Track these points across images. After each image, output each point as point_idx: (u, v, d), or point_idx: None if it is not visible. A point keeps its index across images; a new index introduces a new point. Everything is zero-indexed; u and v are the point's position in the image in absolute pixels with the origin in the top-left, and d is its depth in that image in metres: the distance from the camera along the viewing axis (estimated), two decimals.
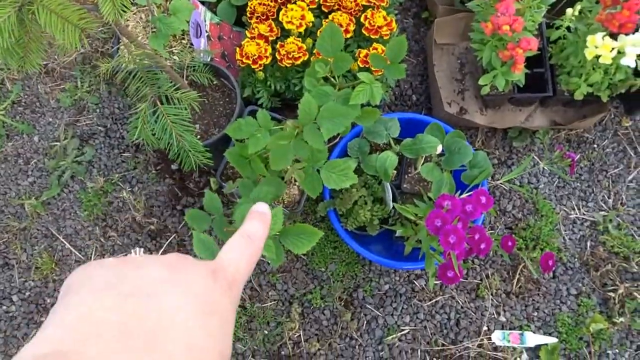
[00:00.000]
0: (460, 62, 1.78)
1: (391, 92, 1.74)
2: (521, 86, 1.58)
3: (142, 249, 1.53)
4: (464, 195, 1.43)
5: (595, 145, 1.68)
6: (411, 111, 1.76)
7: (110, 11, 0.71)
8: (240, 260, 0.38)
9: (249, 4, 1.50)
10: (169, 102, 1.10)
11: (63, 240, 1.58)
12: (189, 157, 1.15)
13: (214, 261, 0.37)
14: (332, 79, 1.18)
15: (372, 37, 1.46)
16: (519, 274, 1.54)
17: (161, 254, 1.56)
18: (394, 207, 1.42)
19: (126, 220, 1.59)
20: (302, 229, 1.03)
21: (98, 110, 1.73)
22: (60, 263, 1.55)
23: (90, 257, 1.56)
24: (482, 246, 1.17)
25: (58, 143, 1.69)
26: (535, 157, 1.67)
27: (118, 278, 0.32)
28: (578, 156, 1.67)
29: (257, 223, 0.44)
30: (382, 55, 1.14)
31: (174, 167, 1.63)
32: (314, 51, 1.45)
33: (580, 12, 1.54)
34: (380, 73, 1.42)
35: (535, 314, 1.51)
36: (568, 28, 1.56)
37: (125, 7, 0.72)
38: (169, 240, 1.57)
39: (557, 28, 1.57)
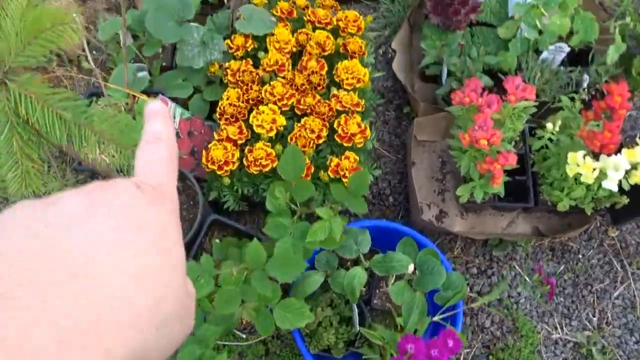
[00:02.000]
0: (442, 160, 1.71)
1: (367, 191, 1.67)
2: (502, 196, 1.51)
3: None
4: (436, 319, 1.34)
5: (580, 256, 1.60)
6: (388, 213, 1.68)
7: (19, 187, 0.64)
8: (158, 163, 0.34)
9: (220, 103, 1.45)
10: None
11: None
12: None
13: (134, 176, 0.33)
14: (293, 205, 1.11)
15: (345, 144, 1.40)
16: None
17: None
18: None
19: None
20: None
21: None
22: None
23: None
24: None
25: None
26: (516, 266, 1.59)
27: (33, 217, 0.28)
28: (562, 267, 1.59)
29: (158, 121, 0.38)
30: (340, 187, 1.07)
31: None
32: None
33: (562, 122, 1.49)
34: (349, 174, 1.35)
35: None
36: (550, 139, 1.51)
37: (36, 182, 0.65)
38: None
39: (539, 138, 1.51)
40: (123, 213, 0.29)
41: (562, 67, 1.69)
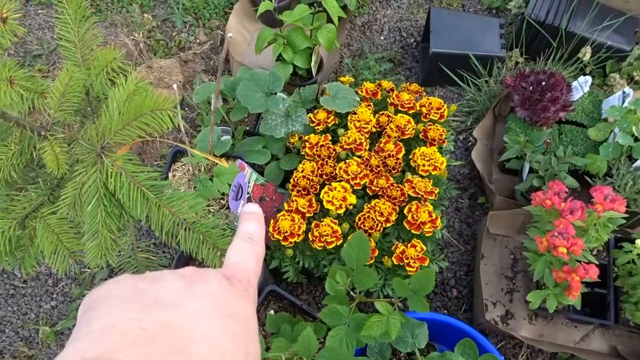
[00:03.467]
0: (514, 257, 1.63)
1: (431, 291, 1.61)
2: (577, 308, 1.40)
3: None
4: None
5: None
6: (451, 305, 1.60)
7: (94, 257, 0.68)
8: (248, 261, 0.39)
9: (294, 174, 1.48)
10: None
11: None
12: None
13: (224, 267, 0.38)
14: (352, 292, 1.09)
15: (413, 232, 1.37)
16: None
17: None
18: None
19: None
20: None
21: (134, 243, 1.73)
22: None
23: None
24: None
25: (89, 270, 1.69)
26: None
27: (137, 292, 0.33)
28: None
29: (254, 223, 0.43)
30: (404, 283, 1.03)
31: None
32: (349, 237, 1.38)
33: None
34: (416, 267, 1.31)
35: None
36: (639, 254, 1.39)
37: (111, 253, 0.69)
38: None
39: (626, 252, 1.40)
40: (216, 300, 0.34)
41: None
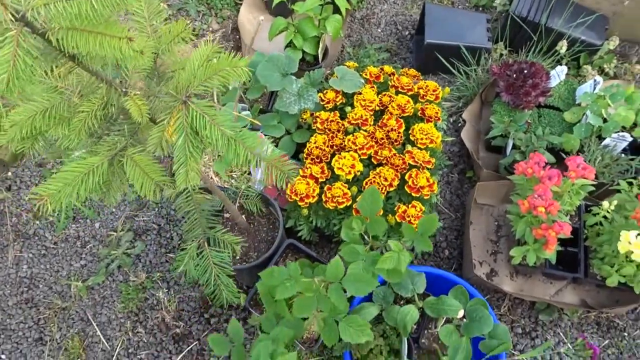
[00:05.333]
0: (498, 224, 1.85)
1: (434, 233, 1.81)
2: (553, 263, 1.62)
3: None
4: None
5: (625, 334, 1.66)
6: (443, 264, 1.81)
7: (182, 180, 0.86)
8: None
9: (307, 145, 1.67)
10: (216, 244, 1.23)
11: (96, 327, 1.68)
12: (222, 295, 1.25)
13: None
14: (366, 237, 1.28)
15: (414, 195, 1.57)
16: None
17: (180, 359, 1.63)
18: None
19: (156, 319, 1.69)
20: None
21: (156, 209, 1.90)
22: (88, 349, 1.65)
23: (116, 349, 1.65)
24: None
25: (115, 233, 1.85)
26: (560, 333, 1.66)
27: None
28: (606, 341, 1.65)
29: None
30: (411, 227, 1.23)
31: None
32: (358, 199, 1.58)
33: (618, 203, 1.61)
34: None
35: None
36: (605, 216, 1.62)
37: (195, 177, 0.87)
38: (190, 347, 1.65)
39: (595, 215, 1.63)
40: None
41: (622, 155, 1.82)
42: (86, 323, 1.70)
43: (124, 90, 0.94)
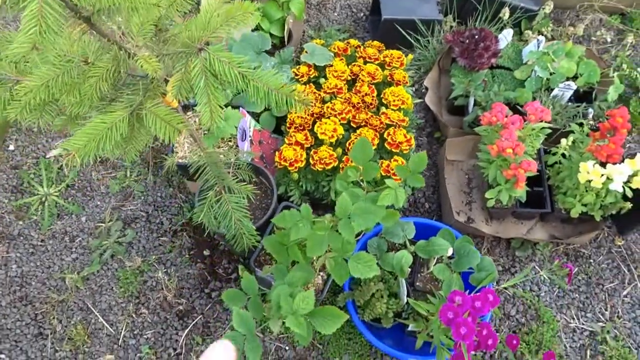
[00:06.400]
0: (468, 177, 2.00)
1: (406, 200, 1.94)
2: (523, 202, 1.78)
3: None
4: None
5: (591, 261, 1.84)
6: (424, 217, 1.94)
7: (208, 118, 0.93)
8: None
9: (289, 116, 1.76)
10: (231, 193, 1.30)
11: (97, 314, 1.69)
12: (243, 239, 1.32)
13: None
14: (361, 183, 1.38)
15: (394, 150, 1.69)
16: None
17: (186, 334, 1.66)
18: (407, 302, 1.55)
19: (157, 299, 1.72)
20: (329, 311, 1.18)
21: (142, 198, 1.92)
22: (92, 336, 1.66)
23: (121, 332, 1.66)
24: (490, 342, 1.29)
25: (103, 224, 1.86)
26: (536, 266, 1.82)
27: None
28: (576, 269, 1.82)
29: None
30: (403, 166, 1.34)
31: (206, 252, 1.79)
32: (343, 159, 1.68)
33: (573, 142, 1.79)
34: (399, 181, 1.63)
35: None
36: (563, 155, 1.79)
37: (218, 117, 0.94)
38: (194, 321, 1.68)
39: (554, 154, 1.80)
40: None
41: (570, 103, 2.02)
42: (87, 312, 1.70)
43: (132, 51, 1.00)
